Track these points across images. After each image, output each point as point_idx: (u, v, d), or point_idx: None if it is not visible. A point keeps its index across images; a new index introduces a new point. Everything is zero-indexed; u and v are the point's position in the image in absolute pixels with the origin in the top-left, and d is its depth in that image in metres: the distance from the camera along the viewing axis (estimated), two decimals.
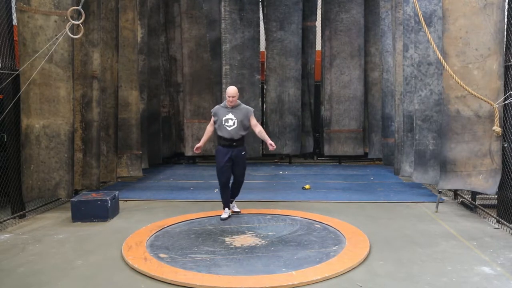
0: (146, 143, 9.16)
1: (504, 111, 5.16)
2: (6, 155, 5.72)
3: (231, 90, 5.45)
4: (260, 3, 10.70)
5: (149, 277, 3.76)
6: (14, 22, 5.66)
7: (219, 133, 5.45)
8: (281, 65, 10.41)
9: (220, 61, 10.33)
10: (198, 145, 5.63)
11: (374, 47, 10.44)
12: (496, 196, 5.42)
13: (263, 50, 10.64)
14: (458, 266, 3.94)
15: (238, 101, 5.51)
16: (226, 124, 5.40)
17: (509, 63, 5.08)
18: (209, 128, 5.64)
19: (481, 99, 5.11)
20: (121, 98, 7.90)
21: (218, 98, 10.45)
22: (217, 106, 5.65)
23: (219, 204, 5.74)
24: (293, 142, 10.62)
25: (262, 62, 10.60)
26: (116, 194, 5.93)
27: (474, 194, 6.04)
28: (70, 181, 5.96)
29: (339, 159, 10.93)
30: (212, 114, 5.57)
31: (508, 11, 5.09)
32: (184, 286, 3.58)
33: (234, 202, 5.90)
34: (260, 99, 10.55)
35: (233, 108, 5.45)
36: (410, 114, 7.27)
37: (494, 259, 4.11)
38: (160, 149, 10.29)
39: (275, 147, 5.49)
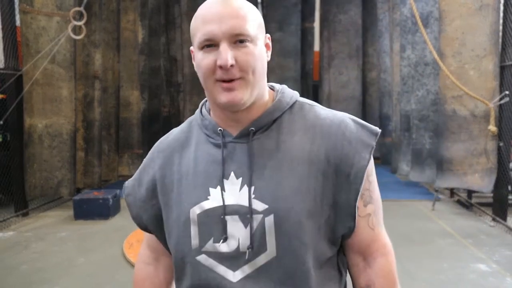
0: (147, 142, 9.19)
1: (499, 111, 5.22)
2: (9, 154, 5.76)
3: None
4: (259, 4, 10.77)
5: None
6: (17, 23, 5.70)
7: None
8: (280, 65, 10.47)
9: None
10: None
11: (372, 48, 10.50)
12: (492, 194, 5.47)
13: None
14: (455, 263, 3.97)
15: None
16: None
17: (505, 64, 5.13)
18: None
19: (477, 99, 5.17)
20: (123, 98, 7.94)
21: None
22: None
23: None
24: None
25: None
26: (118, 193, 5.94)
27: (470, 192, 6.08)
28: (72, 179, 6.02)
29: None
30: None
31: (503, 12, 5.16)
32: None
33: None
34: None
35: None
36: (407, 113, 7.31)
37: (489, 256, 4.14)
38: None
39: None
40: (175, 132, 1.05)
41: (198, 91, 10.74)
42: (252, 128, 0.91)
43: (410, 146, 7.12)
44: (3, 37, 5.49)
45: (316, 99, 11.26)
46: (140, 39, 8.67)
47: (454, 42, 5.37)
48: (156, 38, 9.85)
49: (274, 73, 10.45)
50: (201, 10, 0.91)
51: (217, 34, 0.85)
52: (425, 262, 4.02)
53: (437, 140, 5.99)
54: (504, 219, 5.10)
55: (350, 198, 0.90)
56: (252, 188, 0.89)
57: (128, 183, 1.07)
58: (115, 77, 7.37)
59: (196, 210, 0.91)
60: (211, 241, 0.90)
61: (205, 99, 1.01)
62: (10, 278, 3.76)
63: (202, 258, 0.91)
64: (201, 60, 0.89)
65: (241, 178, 0.90)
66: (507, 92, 5.02)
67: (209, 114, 0.99)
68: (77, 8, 5.64)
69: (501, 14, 5.16)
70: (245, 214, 0.88)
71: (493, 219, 5.28)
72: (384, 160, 9.70)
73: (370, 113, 10.60)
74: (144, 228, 1.06)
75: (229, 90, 0.86)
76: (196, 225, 0.91)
